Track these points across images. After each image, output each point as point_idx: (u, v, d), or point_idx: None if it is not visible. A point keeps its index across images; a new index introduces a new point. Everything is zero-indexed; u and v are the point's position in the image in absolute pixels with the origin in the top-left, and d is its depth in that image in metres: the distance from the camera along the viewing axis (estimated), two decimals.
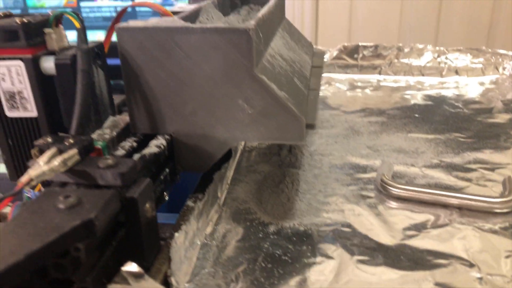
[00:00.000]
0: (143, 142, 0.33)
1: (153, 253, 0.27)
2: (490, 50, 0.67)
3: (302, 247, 0.31)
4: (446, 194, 0.36)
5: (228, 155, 0.38)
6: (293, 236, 0.33)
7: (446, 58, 0.68)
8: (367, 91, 0.64)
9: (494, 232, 0.32)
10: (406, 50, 0.69)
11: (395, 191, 0.37)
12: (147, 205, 0.26)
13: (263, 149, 0.47)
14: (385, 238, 0.32)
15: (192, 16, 0.37)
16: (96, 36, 1.67)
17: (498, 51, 0.67)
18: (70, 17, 0.29)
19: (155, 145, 0.31)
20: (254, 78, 0.31)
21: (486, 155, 0.44)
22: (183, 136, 0.33)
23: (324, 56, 0.70)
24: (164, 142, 0.32)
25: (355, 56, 0.70)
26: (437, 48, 0.69)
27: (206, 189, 0.34)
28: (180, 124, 0.33)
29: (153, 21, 0.31)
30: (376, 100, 0.60)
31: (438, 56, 0.68)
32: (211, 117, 0.32)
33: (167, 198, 0.33)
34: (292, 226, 0.34)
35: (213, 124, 0.32)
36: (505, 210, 0.34)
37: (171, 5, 1.61)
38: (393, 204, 0.37)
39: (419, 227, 0.33)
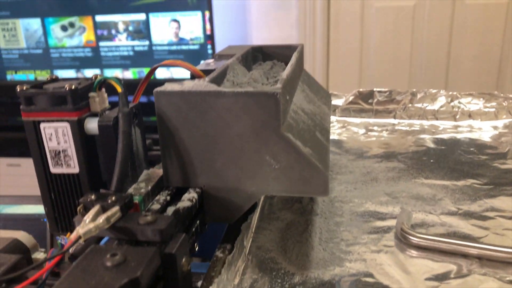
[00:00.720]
0: (176, 195, 0.35)
1: None
2: (502, 94, 0.69)
3: None
4: (465, 244, 0.37)
5: (253, 206, 0.39)
6: (317, 286, 0.34)
7: (459, 102, 0.70)
8: (382, 134, 0.66)
9: None
10: (419, 95, 0.71)
11: (415, 240, 0.38)
12: (184, 260, 0.28)
13: (285, 196, 0.49)
14: None
15: (220, 75, 0.40)
16: (114, 73, 1.74)
17: (510, 95, 0.69)
18: (113, 83, 0.32)
19: (188, 198, 0.33)
20: (281, 137, 0.33)
21: (503, 202, 0.45)
22: (213, 189, 0.35)
23: (339, 101, 0.72)
24: (195, 195, 0.34)
25: (370, 101, 0.73)
26: (450, 93, 0.71)
27: (235, 240, 0.35)
28: (210, 178, 0.35)
29: (188, 85, 0.33)
30: (391, 144, 0.62)
31: (451, 101, 0.70)
32: (239, 171, 0.34)
33: (197, 248, 0.35)
34: (316, 276, 0.35)
35: (241, 178, 0.34)
36: None
37: (187, 44, 1.67)
38: (413, 253, 0.38)
39: (440, 278, 0.34)
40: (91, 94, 0.33)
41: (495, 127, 0.67)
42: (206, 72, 0.40)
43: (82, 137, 0.33)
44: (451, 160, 0.56)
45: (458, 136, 0.64)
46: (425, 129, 0.67)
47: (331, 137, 0.66)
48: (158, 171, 0.37)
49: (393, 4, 1.53)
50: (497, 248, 0.36)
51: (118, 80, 0.32)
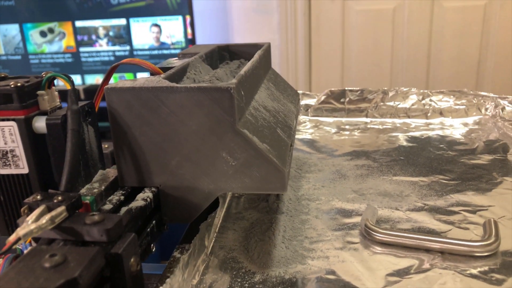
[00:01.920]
0: (131, 195, 0.34)
1: None
2: (472, 92, 0.70)
3: None
4: (428, 238, 0.37)
5: (215, 205, 0.39)
6: (278, 285, 0.33)
7: (431, 100, 0.71)
8: (355, 133, 0.66)
9: (474, 276, 0.33)
10: (391, 93, 0.71)
11: (378, 236, 0.38)
12: (132, 260, 0.27)
13: (251, 195, 0.48)
14: (368, 285, 0.33)
15: (179, 73, 0.39)
16: (95, 79, 1.72)
17: (480, 93, 0.70)
18: (62, 80, 0.31)
19: (142, 198, 0.33)
20: (237, 133, 0.32)
21: (469, 197, 0.45)
22: (169, 188, 0.34)
23: (311, 100, 0.72)
24: (150, 195, 0.33)
25: (342, 100, 0.72)
26: (421, 90, 0.71)
27: (192, 240, 0.34)
28: (166, 176, 0.34)
29: (140, 81, 0.32)
30: (364, 142, 0.62)
31: (423, 99, 0.71)
32: (196, 169, 0.33)
33: (154, 249, 0.34)
34: (277, 275, 0.34)
35: (198, 176, 0.34)
36: (485, 254, 0.35)
37: (168, 48, 1.66)
38: (377, 249, 0.37)
39: (402, 273, 0.34)
40: (40, 92, 0.32)
41: (466, 124, 0.67)
42: (166, 70, 0.39)
43: (31, 137, 0.32)
44: (421, 157, 0.56)
45: (430, 133, 0.64)
46: (397, 127, 0.67)
47: (303, 136, 0.66)
48: (114, 171, 0.36)
49: (374, 7, 1.54)
50: (459, 242, 0.36)
51: (67, 77, 0.32)
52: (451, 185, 0.48)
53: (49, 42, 1.76)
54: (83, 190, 0.32)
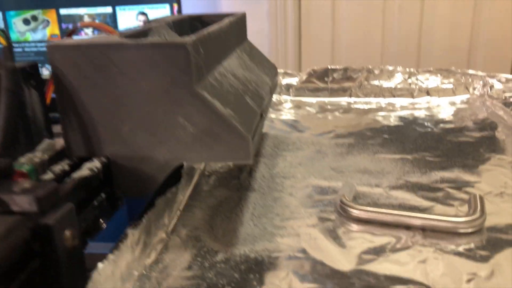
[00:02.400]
0: (78, 166, 0.30)
1: (77, 287, 0.25)
2: (459, 70, 0.67)
3: (249, 275, 0.29)
4: (408, 214, 0.34)
5: (174, 179, 0.36)
6: (241, 264, 0.30)
7: (417, 79, 0.68)
8: (337, 113, 0.63)
9: (457, 254, 0.30)
10: (376, 72, 0.68)
11: (354, 212, 0.35)
12: (67, 233, 0.24)
13: (223, 173, 0.45)
14: (341, 263, 0.30)
15: (138, 35, 0.35)
16: None
17: (468, 71, 0.67)
18: None
19: (88, 168, 0.29)
20: (194, 94, 0.29)
21: (454, 174, 0.42)
22: (121, 158, 0.31)
23: (293, 80, 0.69)
24: (98, 164, 0.30)
25: (325, 79, 0.69)
26: (407, 69, 0.68)
27: (145, 215, 0.31)
28: (117, 145, 0.31)
29: (88, 39, 0.29)
30: (346, 122, 0.59)
31: (409, 77, 0.68)
32: (150, 137, 0.30)
33: (104, 225, 0.31)
34: (242, 253, 0.31)
35: (153, 144, 0.30)
36: (469, 230, 0.32)
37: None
38: (354, 226, 0.34)
39: (378, 251, 0.31)
40: None
41: (453, 103, 0.64)
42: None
43: None
44: (405, 136, 0.53)
45: (416, 113, 0.61)
46: (382, 107, 0.64)
47: (283, 117, 0.62)
48: (62, 140, 0.32)
49: None
50: (442, 218, 0.33)
51: (2, 32, 0.28)
52: (436, 162, 0.45)
53: (33, 30, 1.70)
54: (23, 159, 0.29)
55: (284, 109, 0.65)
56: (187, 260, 0.31)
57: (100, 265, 0.25)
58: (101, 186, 0.30)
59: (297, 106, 0.67)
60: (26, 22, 1.70)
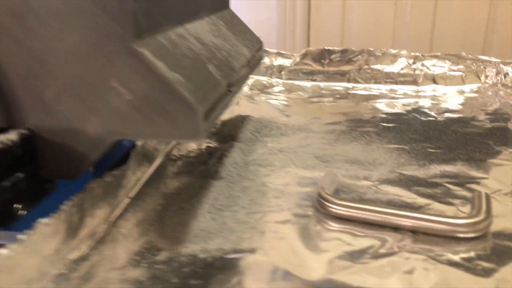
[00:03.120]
0: None
1: None
2: (470, 56, 0.60)
3: (190, 281, 0.23)
4: (396, 213, 0.28)
5: (118, 158, 0.30)
6: (185, 266, 0.24)
7: (423, 65, 0.61)
8: (332, 99, 0.57)
9: (453, 264, 0.24)
10: (377, 54, 0.61)
11: (333, 208, 0.29)
12: None
13: (190, 158, 0.39)
14: (308, 270, 0.24)
15: None
16: None
17: (480, 57, 0.60)
18: None
19: None
20: (131, 52, 0.23)
21: (456, 167, 0.36)
22: (46, 131, 0.25)
23: (286, 61, 0.63)
24: (14, 137, 0.24)
25: (322, 61, 0.63)
26: (412, 54, 0.61)
27: (69, 201, 0.25)
28: (41, 115, 0.25)
29: None
30: (341, 109, 0.53)
31: (414, 63, 0.61)
32: (79, 105, 0.24)
33: (23, 212, 0.25)
34: (189, 253, 0.26)
35: (82, 114, 0.25)
36: (471, 235, 0.26)
37: None
38: (332, 225, 0.29)
39: (356, 257, 0.25)
40: None
41: (461, 92, 0.58)
42: None
43: None
44: (404, 124, 0.47)
45: (419, 101, 0.55)
46: (382, 94, 0.58)
47: (272, 101, 0.56)
48: None
49: None
50: (437, 218, 0.27)
51: None
52: (437, 154, 0.39)
53: None
54: None
55: (274, 92, 0.59)
56: (122, 258, 0.25)
57: None
58: (18, 163, 0.25)
59: (289, 89, 0.60)
60: None
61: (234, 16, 0.45)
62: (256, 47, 0.44)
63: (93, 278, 0.24)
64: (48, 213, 0.25)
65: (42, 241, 0.23)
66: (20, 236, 0.22)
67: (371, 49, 0.62)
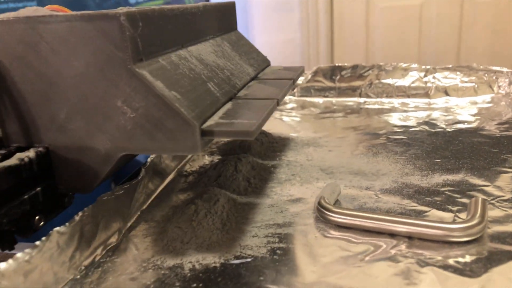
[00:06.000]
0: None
1: None
2: (482, 67, 0.60)
3: (192, 285, 0.25)
4: (392, 219, 0.29)
5: (125, 173, 0.32)
6: (187, 271, 0.26)
7: (434, 77, 0.61)
8: (344, 114, 0.58)
9: (444, 267, 0.25)
10: (388, 69, 0.62)
11: (331, 216, 0.30)
12: None
13: (201, 173, 0.41)
14: (302, 273, 0.25)
15: None
16: None
17: (492, 68, 0.60)
18: None
19: (17, 157, 0.26)
20: (132, 74, 0.25)
21: (459, 176, 0.36)
22: (60, 148, 0.28)
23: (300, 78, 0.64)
24: (31, 154, 0.27)
25: (333, 78, 0.64)
26: (423, 67, 0.62)
27: (85, 212, 0.27)
28: (55, 134, 0.28)
29: (14, 12, 0.26)
30: (352, 124, 0.54)
31: (425, 76, 0.62)
32: (88, 124, 0.27)
33: (42, 224, 0.27)
34: (192, 260, 0.27)
35: (91, 132, 0.27)
36: (464, 239, 0.27)
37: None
38: (330, 232, 0.30)
39: (351, 261, 0.26)
40: None
41: (474, 103, 0.58)
42: None
43: None
44: (412, 136, 0.47)
45: (432, 114, 0.55)
46: (394, 108, 0.59)
47: (284, 118, 0.58)
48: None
49: (399, 3, 1.43)
50: (431, 223, 0.28)
51: None
52: (441, 164, 0.39)
53: None
54: None
55: (286, 109, 0.61)
56: (132, 266, 0.27)
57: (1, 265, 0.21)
58: (36, 178, 0.27)
59: (301, 106, 0.62)
60: None
61: (240, 38, 0.48)
62: (262, 67, 0.46)
63: (104, 283, 0.25)
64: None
65: (58, 248, 0.25)
66: (37, 243, 0.24)
67: (382, 64, 0.63)
